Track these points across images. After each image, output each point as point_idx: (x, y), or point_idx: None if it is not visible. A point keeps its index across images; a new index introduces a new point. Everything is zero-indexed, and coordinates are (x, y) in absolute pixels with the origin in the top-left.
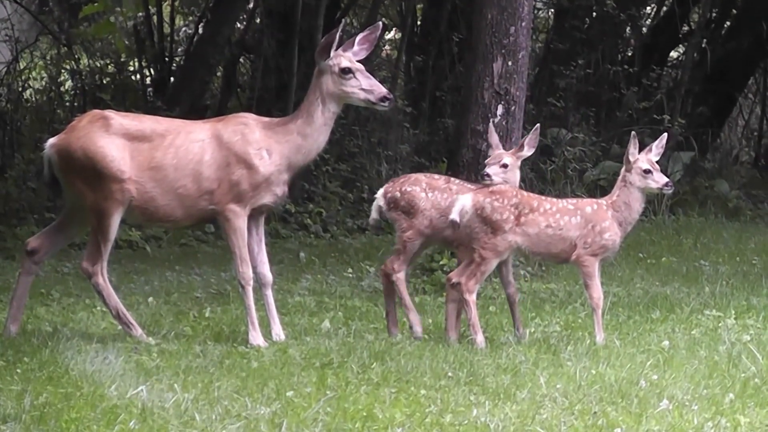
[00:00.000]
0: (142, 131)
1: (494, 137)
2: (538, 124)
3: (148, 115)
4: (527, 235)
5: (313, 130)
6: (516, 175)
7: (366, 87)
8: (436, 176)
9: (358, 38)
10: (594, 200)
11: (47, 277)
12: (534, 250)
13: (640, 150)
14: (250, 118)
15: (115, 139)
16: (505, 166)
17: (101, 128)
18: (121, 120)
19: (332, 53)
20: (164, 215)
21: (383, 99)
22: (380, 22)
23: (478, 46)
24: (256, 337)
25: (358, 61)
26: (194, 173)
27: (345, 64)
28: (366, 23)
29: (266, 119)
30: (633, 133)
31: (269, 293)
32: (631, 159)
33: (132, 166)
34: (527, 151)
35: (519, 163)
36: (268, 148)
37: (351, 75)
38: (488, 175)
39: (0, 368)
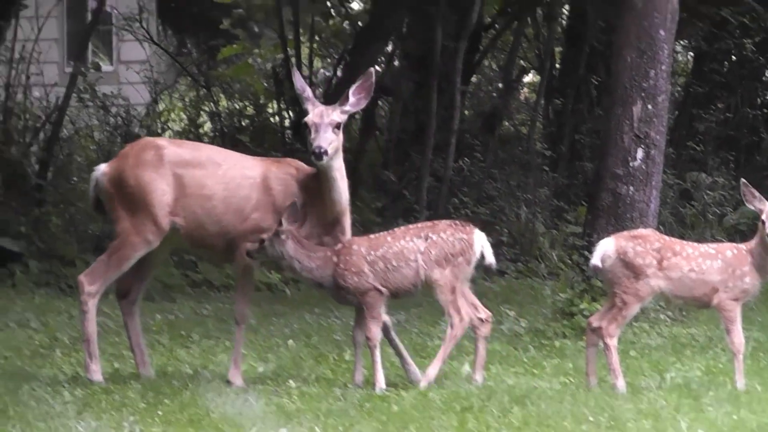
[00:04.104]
0: (197, 158)
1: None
2: None
3: (207, 144)
4: (670, 279)
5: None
6: None
7: (310, 141)
8: None
9: (352, 89)
10: (734, 245)
11: (187, 320)
12: (676, 294)
13: None
14: (293, 167)
15: (169, 170)
16: None
17: (154, 158)
18: (175, 149)
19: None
20: (211, 244)
21: (312, 152)
22: (372, 69)
23: (618, 89)
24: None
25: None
26: (238, 211)
27: (305, 118)
28: (505, 66)
29: (310, 171)
30: None
31: (394, 336)
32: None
33: (181, 193)
34: None
35: None
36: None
37: (308, 129)
38: None
39: (141, 410)
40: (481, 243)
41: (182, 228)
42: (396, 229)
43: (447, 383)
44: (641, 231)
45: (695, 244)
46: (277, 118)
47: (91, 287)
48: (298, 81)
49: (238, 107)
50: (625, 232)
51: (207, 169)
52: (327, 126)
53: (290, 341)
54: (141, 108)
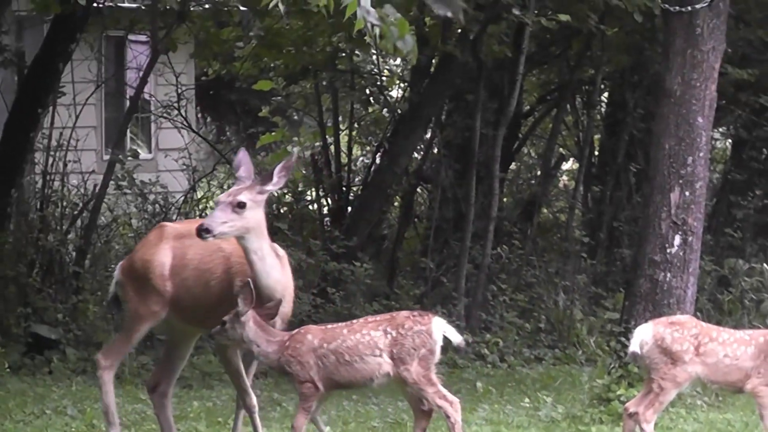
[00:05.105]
0: (190, 230)
1: None
2: None
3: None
4: (706, 364)
5: None
6: None
7: None
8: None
9: (277, 169)
10: (766, 331)
11: (224, 406)
12: (712, 379)
13: None
14: None
15: (167, 243)
16: None
17: (156, 236)
18: (175, 225)
19: None
20: (189, 318)
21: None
22: (295, 150)
23: (656, 177)
24: None
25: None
26: (205, 283)
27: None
28: (544, 154)
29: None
30: None
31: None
32: None
33: (173, 262)
34: None
35: None
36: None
37: None
38: None
39: None
40: (441, 330)
41: (170, 296)
42: (354, 322)
43: None
44: (679, 317)
45: (731, 330)
46: (315, 205)
47: (105, 362)
48: (238, 159)
49: (276, 194)
50: (663, 319)
51: (193, 239)
52: (227, 205)
53: (327, 428)
54: (179, 195)
